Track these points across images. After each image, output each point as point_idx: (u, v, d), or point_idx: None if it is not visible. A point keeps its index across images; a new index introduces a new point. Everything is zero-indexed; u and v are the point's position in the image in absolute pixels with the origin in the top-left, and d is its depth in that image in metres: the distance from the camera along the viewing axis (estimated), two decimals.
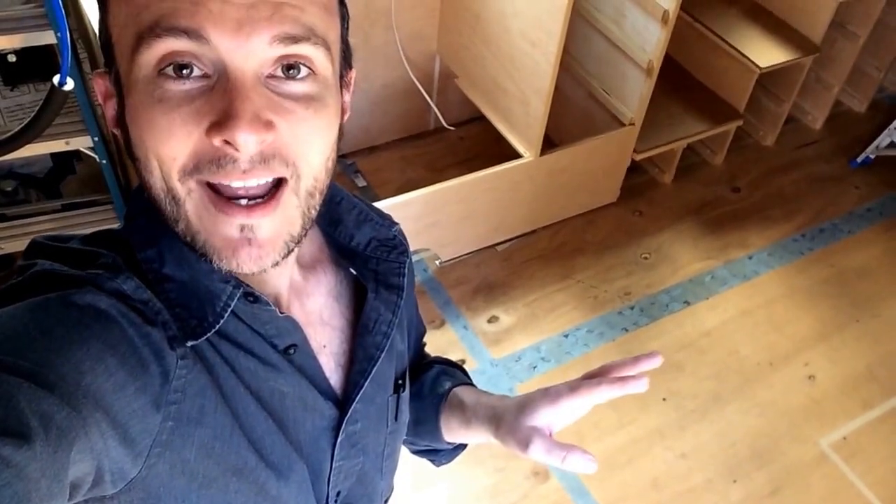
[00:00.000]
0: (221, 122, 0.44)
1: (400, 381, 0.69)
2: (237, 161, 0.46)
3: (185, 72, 0.45)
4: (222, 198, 0.48)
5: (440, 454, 0.85)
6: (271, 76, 0.47)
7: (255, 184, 0.47)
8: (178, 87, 0.45)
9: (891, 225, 2.49)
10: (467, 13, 2.13)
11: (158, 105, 0.45)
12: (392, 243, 0.66)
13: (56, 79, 1.46)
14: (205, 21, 0.44)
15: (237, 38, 0.44)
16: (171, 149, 0.46)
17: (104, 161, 1.77)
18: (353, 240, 0.65)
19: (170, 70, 0.45)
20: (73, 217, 1.94)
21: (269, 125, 0.45)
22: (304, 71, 0.48)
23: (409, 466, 1.76)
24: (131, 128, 0.48)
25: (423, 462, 1.90)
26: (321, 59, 0.48)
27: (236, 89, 0.45)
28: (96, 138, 1.71)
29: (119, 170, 1.90)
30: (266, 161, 0.47)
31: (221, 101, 0.45)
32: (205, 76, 0.46)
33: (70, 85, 1.48)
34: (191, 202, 0.48)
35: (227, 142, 0.45)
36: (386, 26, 2.21)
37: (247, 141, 0.44)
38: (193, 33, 0.44)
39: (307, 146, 0.49)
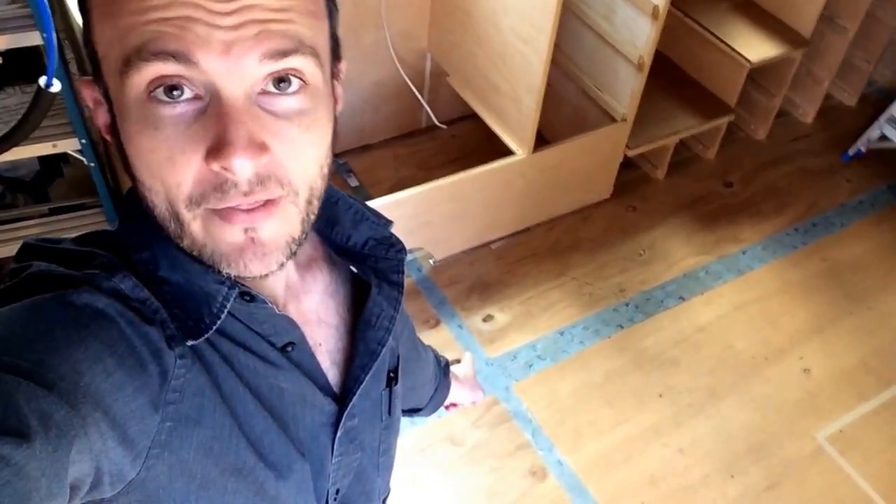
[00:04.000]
0: (218, 148, 0.45)
1: (392, 375, 0.70)
2: (238, 185, 0.46)
3: (175, 93, 0.45)
4: (224, 210, 0.48)
5: (421, 412, 1.00)
6: (263, 92, 0.47)
7: (255, 200, 0.48)
8: (171, 111, 0.45)
9: (883, 217, 2.50)
10: (458, 11, 2.13)
11: (155, 132, 0.45)
12: (389, 241, 0.67)
13: (42, 80, 1.44)
14: (192, 45, 0.44)
15: (226, 61, 0.44)
16: (175, 177, 0.46)
17: (92, 164, 1.75)
18: (351, 239, 0.66)
19: (160, 93, 0.45)
20: (62, 221, 1.92)
21: (263, 147, 0.46)
22: (295, 83, 0.48)
23: (409, 467, 1.77)
24: (130, 151, 0.48)
25: (422, 462, 1.90)
26: (311, 69, 0.48)
27: (229, 114, 0.45)
28: (84, 141, 1.69)
29: (108, 172, 1.88)
30: (262, 183, 0.47)
31: (215, 126, 0.45)
32: (196, 97, 0.45)
33: (57, 86, 1.46)
34: (196, 223, 0.48)
35: (224, 167, 0.45)
36: (376, 25, 2.20)
37: (243, 166, 0.45)
38: (182, 57, 0.44)
39: (302, 162, 0.49)
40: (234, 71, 0.45)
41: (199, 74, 0.44)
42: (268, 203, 0.48)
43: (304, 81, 0.48)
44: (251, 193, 0.47)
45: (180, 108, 0.45)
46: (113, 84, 0.47)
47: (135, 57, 0.44)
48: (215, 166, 0.45)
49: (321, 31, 0.50)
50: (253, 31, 0.44)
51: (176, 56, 0.43)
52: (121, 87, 0.46)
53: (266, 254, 0.49)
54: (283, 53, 0.46)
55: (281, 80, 0.47)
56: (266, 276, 0.51)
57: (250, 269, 0.49)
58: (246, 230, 0.48)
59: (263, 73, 0.46)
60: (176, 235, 0.49)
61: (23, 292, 0.46)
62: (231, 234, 0.48)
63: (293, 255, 0.52)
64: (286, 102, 0.47)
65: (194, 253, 0.50)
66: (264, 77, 0.46)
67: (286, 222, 0.50)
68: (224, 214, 0.48)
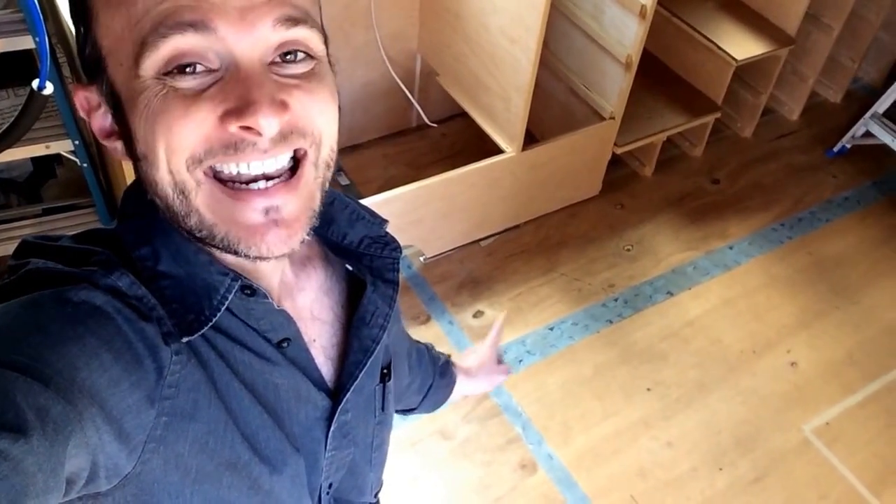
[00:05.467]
0: (241, 108, 0.46)
1: (385, 371, 0.71)
2: (258, 143, 0.47)
3: (189, 70, 0.46)
4: (239, 186, 0.49)
5: (415, 410, 1.01)
6: (272, 63, 0.48)
7: (273, 165, 0.49)
8: (187, 82, 0.46)
9: (867, 213, 2.53)
10: (447, 12, 2.14)
11: (173, 94, 0.46)
12: (384, 240, 0.68)
13: (35, 83, 1.46)
14: (209, 13, 0.45)
15: (242, 27, 0.46)
16: (181, 137, 0.47)
17: (85, 164, 1.76)
18: (346, 238, 0.66)
19: (175, 72, 0.46)
20: (55, 221, 1.93)
21: (284, 105, 0.47)
22: (301, 55, 0.50)
23: (400, 461, 1.78)
24: (138, 126, 0.48)
25: (414, 456, 1.91)
26: (316, 41, 0.50)
27: (250, 77, 0.46)
28: (77, 142, 1.70)
29: (100, 173, 1.89)
30: (285, 138, 0.48)
31: (236, 90, 0.46)
32: (210, 70, 0.47)
33: (49, 89, 1.47)
34: (201, 194, 0.49)
35: (246, 127, 0.46)
36: (366, 26, 2.21)
37: (270, 123, 0.46)
38: (200, 25, 0.45)
39: (321, 116, 0.50)
40: (250, 36, 0.46)
41: (216, 43, 0.46)
42: (288, 178, 0.49)
43: (309, 54, 0.50)
44: (271, 150, 0.48)
45: (198, 80, 0.46)
46: (123, 75, 0.48)
47: (152, 35, 0.45)
48: (234, 126, 0.46)
49: (318, 11, 0.52)
50: None
51: (194, 25, 0.45)
52: (135, 73, 0.47)
53: (291, 235, 0.50)
54: (295, 21, 0.48)
55: (287, 53, 0.49)
56: (293, 251, 0.52)
57: (273, 250, 0.50)
58: (267, 210, 0.49)
59: (276, 40, 0.48)
60: (183, 214, 0.49)
61: (21, 289, 0.46)
62: (249, 216, 0.49)
63: (311, 228, 0.52)
64: (295, 68, 0.49)
65: (203, 234, 0.50)
66: (275, 47, 0.48)
67: (308, 196, 0.51)
68: (238, 195, 0.48)
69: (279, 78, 0.48)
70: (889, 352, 2.13)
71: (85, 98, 0.52)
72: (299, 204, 0.50)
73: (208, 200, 0.49)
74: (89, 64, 0.50)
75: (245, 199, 0.48)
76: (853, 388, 2.04)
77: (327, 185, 0.54)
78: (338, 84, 0.54)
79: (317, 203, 0.52)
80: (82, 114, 0.53)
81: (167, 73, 0.46)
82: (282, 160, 0.50)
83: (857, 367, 2.09)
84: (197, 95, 0.46)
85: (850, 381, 2.05)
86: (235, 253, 0.50)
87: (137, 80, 0.47)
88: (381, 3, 2.19)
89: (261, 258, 0.51)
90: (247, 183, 0.49)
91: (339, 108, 0.54)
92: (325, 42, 0.55)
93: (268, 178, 0.49)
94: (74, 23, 0.51)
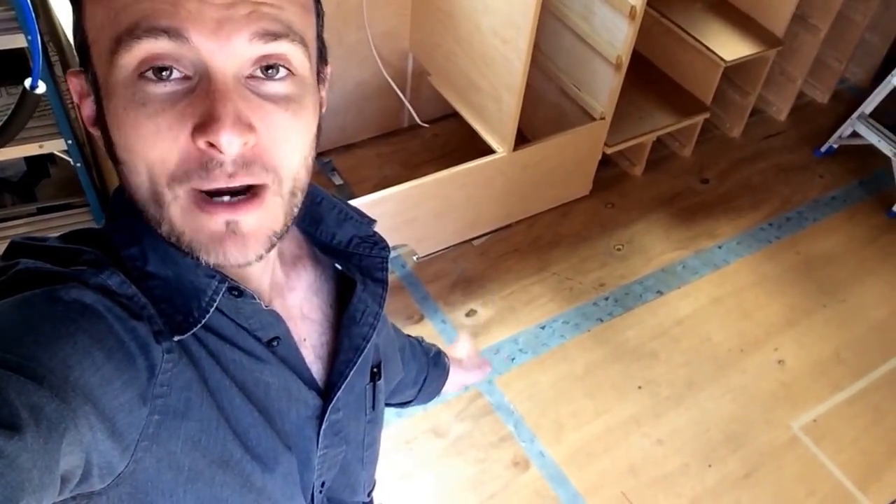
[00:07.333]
0: (205, 124, 0.45)
1: (375, 370, 0.71)
2: (223, 164, 0.47)
3: (164, 74, 0.45)
4: (206, 199, 0.48)
5: (412, 402, 1.02)
6: (251, 76, 0.48)
7: (239, 185, 0.49)
8: (159, 89, 0.46)
9: (854, 212, 2.56)
10: (439, 11, 2.15)
11: (142, 108, 0.46)
12: (373, 240, 0.68)
13: (28, 82, 1.46)
14: (185, 21, 0.44)
15: (218, 38, 0.45)
16: (159, 154, 0.46)
17: (79, 164, 1.76)
18: (335, 238, 0.67)
19: (150, 73, 0.45)
20: (49, 220, 1.93)
21: (250, 127, 0.46)
22: (282, 71, 0.48)
23: (393, 459, 1.79)
24: (114, 131, 0.48)
25: (407, 454, 1.91)
26: (299, 58, 0.49)
27: (218, 91, 0.46)
28: (70, 141, 1.70)
29: (94, 172, 1.89)
30: (248, 166, 0.47)
31: (203, 104, 0.45)
32: (185, 77, 0.46)
33: (42, 88, 1.47)
34: (176, 206, 0.49)
35: (210, 144, 0.46)
36: (358, 25, 2.22)
37: (230, 142, 0.45)
38: (174, 33, 0.44)
39: (286, 147, 0.50)
40: (225, 49, 0.45)
41: (190, 52, 0.45)
42: (252, 195, 0.49)
43: (291, 71, 0.49)
44: (235, 176, 0.47)
45: (169, 87, 0.46)
46: (102, 68, 0.47)
47: (126, 36, 0.44)
48: (201, 142, 0.45)
49: (310, 25, 0.52)
50: (244, 11, 0.45)
51: (168, 32, 0.44)
52: (110, 70, 0.46)
53: (247, 246, 0.50)
54: (274, 35, 0.47)
55: (269, 67, 0.48)
56: (247, 266, 0.51)
57: (229, 258, 0.50)
58: (228, 223, 0.49)
59: (253, 54, 0.46)
60: (155, 221, 0.49)
61: (11, 289, 0.46)
62: (211, 225, 0.49)
63: (273, 247, 0.52)
64: (274, 87, 0.48)
65: (172, 240, 0.50)
66: (253, 60, 0.47)
67: (269, 215, 0.50)
68: (205, 207, 0.48)
69: (253, 96, 0.47)
70: (876, 349, 2.16)
71: (77, 83, 0.52)
72: (259, 221, 0.50)
73: (180, 211, 0.49)
74: (79, 51, 0.51)
75: (210, 212, 0.48)
76: (840, 385, 2.06)
77: (296, 209, 0.53)
78: (331, 84, 0.54)
79: (279, 225, 0.52)
80: (75, 98, 0.53)
81: (141, 76, 0.46)
82: (246, 182, 0.49)
83: (845, 365, 2.11)
84: (167, 108, 0.46)
85: (838, 378, 2.08)
86: (197, 259, 0.50)
87: (111, 77, 0.47)
88: (374, 2, 2.19)
89: (219, 265, 0.51)
90: (213, 196, 0.49)
91: (320, 125, 0.54)
92: (322, 53, 0.55)
93: (232, 194, 0.49)
94: (71, 7, 0.51)
